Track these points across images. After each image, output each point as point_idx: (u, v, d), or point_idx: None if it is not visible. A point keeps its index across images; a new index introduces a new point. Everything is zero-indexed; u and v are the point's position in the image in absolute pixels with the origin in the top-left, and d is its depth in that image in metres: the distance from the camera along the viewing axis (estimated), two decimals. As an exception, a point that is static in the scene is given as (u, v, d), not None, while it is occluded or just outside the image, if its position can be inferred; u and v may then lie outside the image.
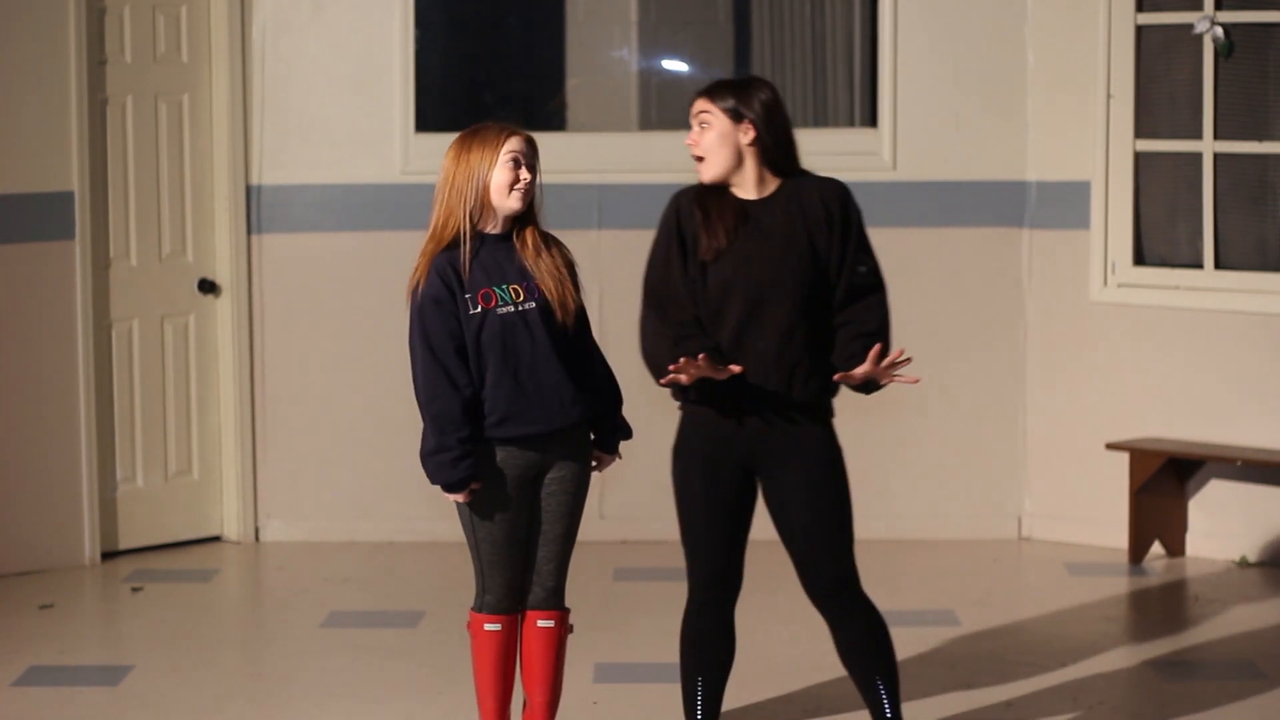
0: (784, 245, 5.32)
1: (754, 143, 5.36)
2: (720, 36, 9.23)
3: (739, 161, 5.37)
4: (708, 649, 5.54)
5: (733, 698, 6.31)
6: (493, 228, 5.44)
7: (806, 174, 5.46)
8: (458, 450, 5.40)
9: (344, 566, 8.30)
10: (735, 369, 5.23)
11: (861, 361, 5.27)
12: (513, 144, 5.41)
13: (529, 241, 5.45)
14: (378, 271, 8.62)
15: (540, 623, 5.58)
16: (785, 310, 5.30)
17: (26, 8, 8.03)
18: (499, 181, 5.39)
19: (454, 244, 5.41)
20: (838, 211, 5.38)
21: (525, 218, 5.47)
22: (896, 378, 5.29)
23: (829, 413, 5.43)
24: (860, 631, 5.46)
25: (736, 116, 5.35)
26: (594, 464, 5.60)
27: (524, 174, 5.39)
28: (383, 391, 8.64)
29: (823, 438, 5.39)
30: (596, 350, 5.57)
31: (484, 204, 5.41)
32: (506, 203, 5.40)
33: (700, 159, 5.39)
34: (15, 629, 7.33)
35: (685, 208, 5.39)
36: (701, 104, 5.39)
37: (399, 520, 8.71)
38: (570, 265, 5.51)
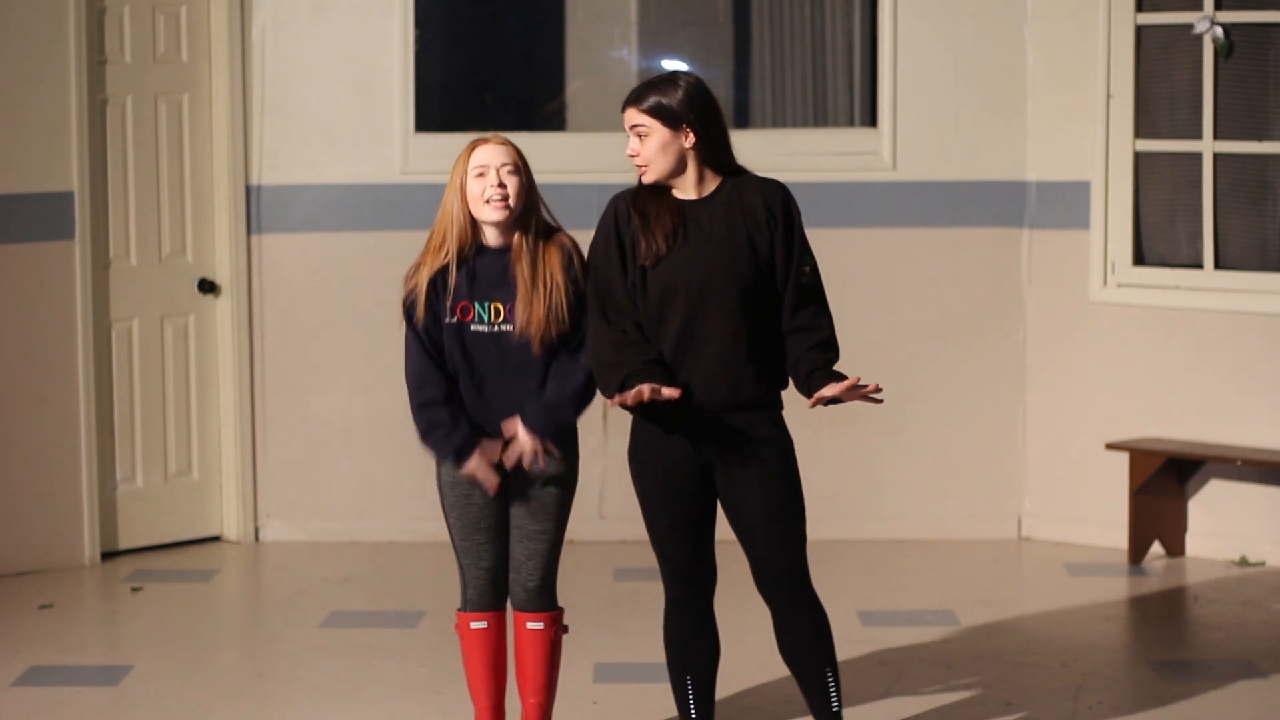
0: (724, 246, 5.30)
1: (695, 146, 5.34)
2: (720, 36, 9.23)
3: (682, 166, 5.35)
4: (691, 648, 5.53)
5: (731, 696, 6.32)
6: (490, 239, 5.45)
7: (746, 173, 5.42)
8: (447, 425, 5.45)
9: (344, 566, 8.30)
10: (676, 392, 5.21)
11: (826, 379, 5.25)
12: (478, 156, 5.41)
13: (522, 253, 5.43)
14: (378, 271, 8.61)
15: (530, 625, 5.59)
16: (728, 311, 5.29)
17: (26, 8, 8.03)
18: (472, 194, 5.41)
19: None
20: (780, 211, 5.34)
21: (525, 224, 5.45)
22: (865, 399, 5.28)
23: (778, 408, 5.42)
24: (809, 626, 5.46)
25: (674, 122, 5.31)
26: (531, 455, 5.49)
27: (490, 182, 5.37)
28: (382, 391, 8.64)
29: (774, 434, 5.38)
30: (578, 356, 5.48)
31: (469, 217, 5.43)
32: (482, 214, 5.40)
33: (642, 168, 5.35)
34: (15, 629, 7.33)
35: (623, 211, 5.36)
36: (633, 115, 5.33)
37: (399, 520, 8.71)
38: (568, 266, 5.44)
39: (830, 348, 5.34)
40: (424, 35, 8.71)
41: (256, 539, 8.73)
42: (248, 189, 8.62)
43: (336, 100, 8.65)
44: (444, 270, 5.42)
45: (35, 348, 8.14)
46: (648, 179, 5.35)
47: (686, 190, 5.36)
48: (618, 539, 8.65)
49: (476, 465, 5.45)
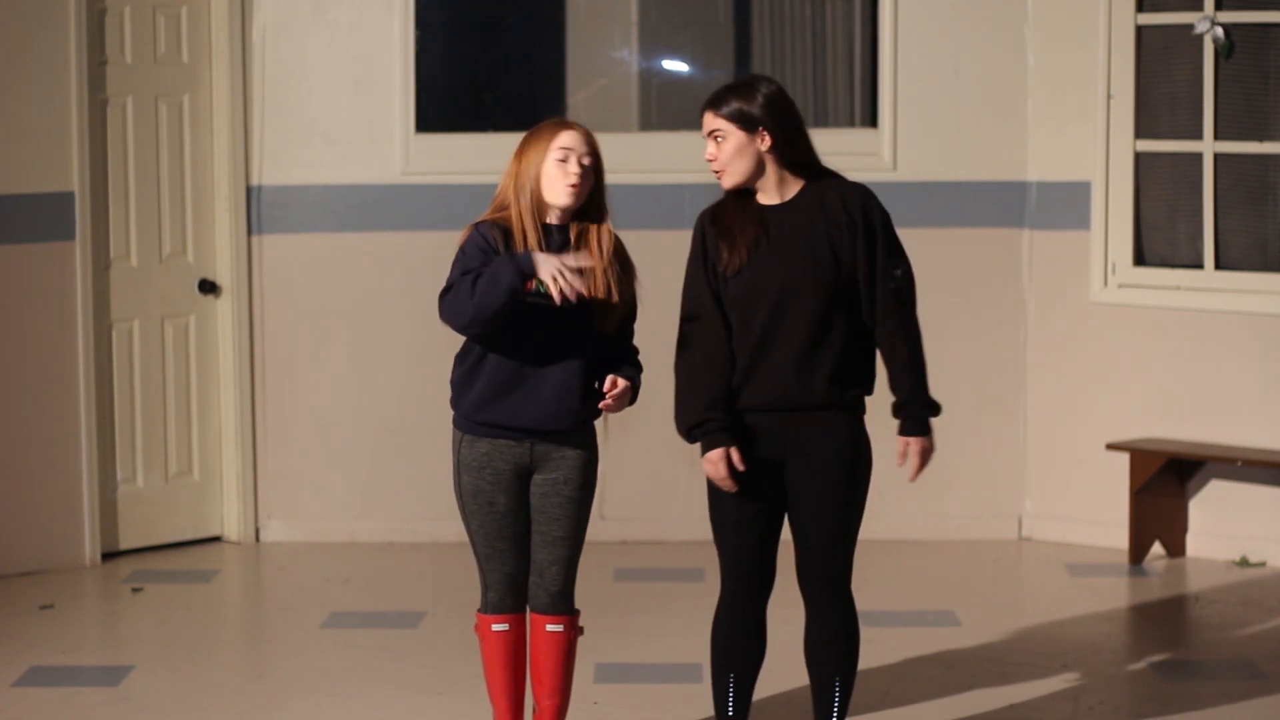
0: (805, 250, 5.33)
1: (772, 149, 5.35)
2: (720, 36, 9.22)
3: (760, 169, 5.37)
4: (739, 646, 5.55)
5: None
6: (552, 218, 5.45)
7: (831, 176, 5.44)
8: (497, 259, 5.34)
9: (344, 567, 8.30)
10: (739, 466, 5.36)
11: (910, 429, 5.50)
12: (564, 138, 5.43)
13: (577, 236, 5.44)
14: (378, 271, 8.62)
15: (549, 627, 5.60)
16: (807, 314, 5.32)
17: (26, 8, 8.03)
18: (551, 174, 5.41)
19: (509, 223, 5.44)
20: (859, 215, 5.37)
21: (585, 213, 5.46)
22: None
23: (856, 409, 5.47)
24: (835, 627, 5.50)
25: (750, 125, 5.33)
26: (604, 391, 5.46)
27: (572, 168, 5.40)
28: (383, 392, 8.64)
29: (847, 437, 5.43)
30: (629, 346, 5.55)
31: (539, 198, 5.43)
32: (556, 198, 5.41)
33: (719, 172, 5.39)
34: (15, 629, 7.33)
35: (707, 229, 5.41)
36: (710, 120, 5.37)
37: (399, 520, 8.71)
38: (616, 249, 5.47)
39: (916, 367, 5.51)
40: (424, 35, 8.71)
41: (257, 539, 8.73)
42: (248, 189, 8.62)
43: (336, 100, 8.65)
44: (506, 229, 5.41)
45: (35, 348, 8.14)
46: (726, 183, 5.39)
47: (769, 194, 5.39)
48: (618, 539, 8.65)
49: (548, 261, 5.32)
